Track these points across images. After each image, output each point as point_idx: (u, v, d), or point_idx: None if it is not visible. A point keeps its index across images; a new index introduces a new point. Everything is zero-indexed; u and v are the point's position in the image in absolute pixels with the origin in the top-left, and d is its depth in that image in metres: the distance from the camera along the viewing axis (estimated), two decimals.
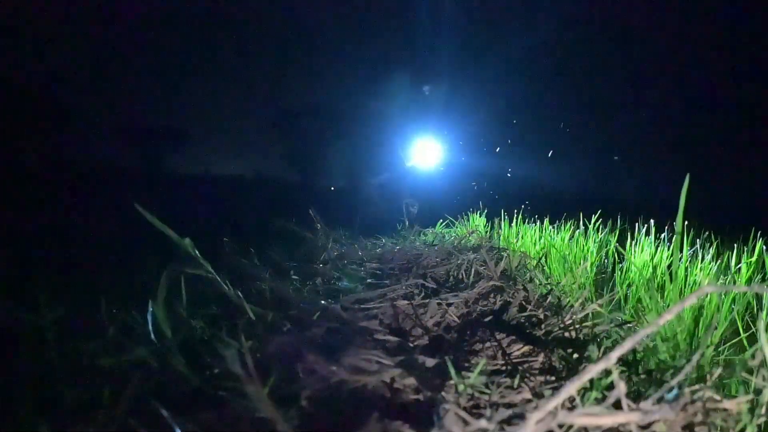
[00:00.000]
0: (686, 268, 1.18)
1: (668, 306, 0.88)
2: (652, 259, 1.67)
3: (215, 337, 0.67)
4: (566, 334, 0.86)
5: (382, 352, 0.71)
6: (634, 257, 1.72)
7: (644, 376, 0.69)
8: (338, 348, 0.72)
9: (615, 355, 0.42)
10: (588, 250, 1.88)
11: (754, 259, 1.55)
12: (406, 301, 1.03)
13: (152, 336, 0.68)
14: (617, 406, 0.50)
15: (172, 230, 0.72)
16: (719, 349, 0.83)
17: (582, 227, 2.17)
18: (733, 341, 0.89)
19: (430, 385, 0.63)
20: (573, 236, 2.01)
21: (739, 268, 1.44)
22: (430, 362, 0.70)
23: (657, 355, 0.76)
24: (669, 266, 0.89)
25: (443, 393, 0.61)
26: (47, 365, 0.65)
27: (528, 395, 0.62)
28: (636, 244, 1.86)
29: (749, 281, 1.38)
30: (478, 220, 2.69)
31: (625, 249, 1.85)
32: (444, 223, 2.86)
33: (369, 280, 1.25)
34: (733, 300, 0.95)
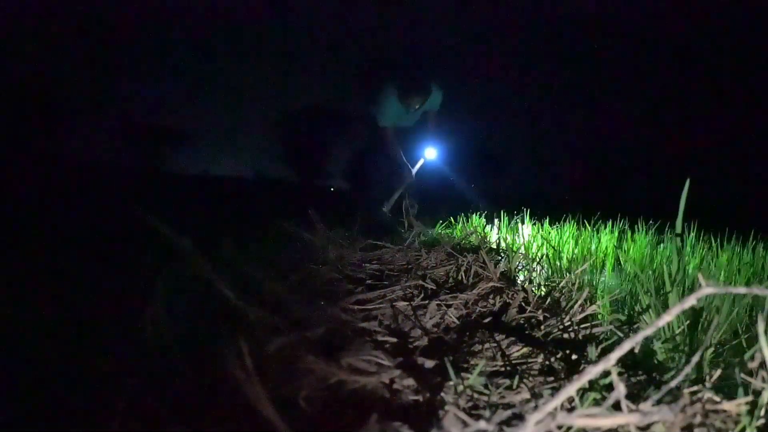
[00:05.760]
0: (685, 269, 1.18)
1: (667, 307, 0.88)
2: (651, 260, 1.67)
3: (214, 338, 0.67)
4: (565, 336, 0.86)
5: (382, 353, 0.71)
6: (632, 257, 1.72)
7: (644, 377, 0.69)
8: (337, 349, 0.72)
9: (614, 356, 0.41)
10: (588, 251, 1.88)
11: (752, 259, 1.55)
12: (405, 303, 1.03)
13: (151, 337, 0.68)
14: (616, 407, 0.50)
15: (171, 230, 0.72)
16: (719, 351, 0.83)
17: (582, 228, 2.17)
18: (733, 343, 0.89)
19: (430, 386, 0.63)
20: (573, 237, 2.01)
21: (739, 270, 1.44)
22: (429, 363, 0.70)
23: (656, 356, 0.76)
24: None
25: (442, 394, 0.61)
26: (46, 365, 0.65)
27: (527, 396, 0.62)
28: (634, 244, 1.86)
29: (749, 282, 1.39)
30: (478, 221, 2.69)
31: (624, 249, 1.85)
32: (444, 224, 2.86)
33: (368, 281, 1.25)
34: (733, 301, 0.95)
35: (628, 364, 0.74)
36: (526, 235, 2.06)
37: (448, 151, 3.14)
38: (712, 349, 0.72)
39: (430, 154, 3.05)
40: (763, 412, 0.51)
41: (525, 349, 0.80)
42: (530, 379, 0.69)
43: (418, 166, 2.98)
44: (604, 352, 0.73)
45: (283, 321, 0.76)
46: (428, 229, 2.38)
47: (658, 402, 0.52)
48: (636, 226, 2.18)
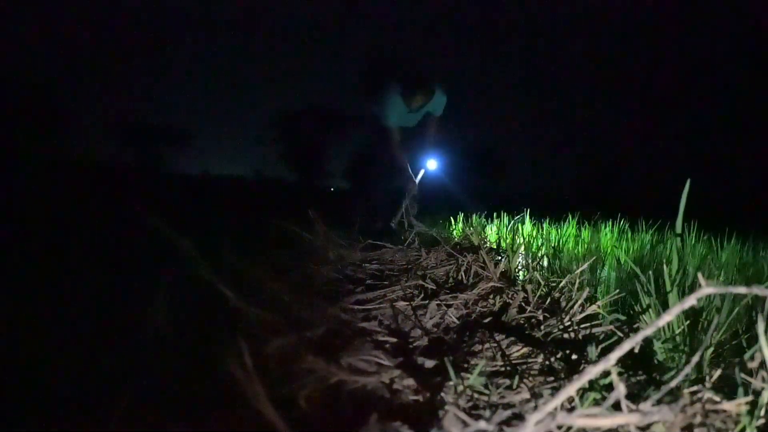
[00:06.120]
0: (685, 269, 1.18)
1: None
2: (651, 259, 1.67)
3: (214, 338, 0.67)
4: (565, 335, 0.86)
5: (382, 353, 0.71)
6: (632, 256, 1.72)
7: (644, 377, 0.69)
8: (337, 349, 0.72)
9: (614, 356, 0.41)
10: (588, 250, 1.88)
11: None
12: (405, 303, 1.03)
13: (152, 337, 0.68)
14: (616, 407, 0.50)
15: (172, 230, 0.72)
16: (719, 351, 0.83)
17: (582, 227, 2.17)
18: (733, 343, 0.89)
19: (430, 386, 0.63)
20: (573, 236, 2.01)
21: (740, 269, 1.44)
22: (429, 363, 0.70)
23: (656, 356, 0.76)
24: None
25: (442, 394, 0.61)
26: (46, 365, 0.65)
27: (527, 396, 0.62)
28: (634, 243, 1.86)
29: (749, 282, 1.38)
30: (478, 221, 2.69)
31: (624, 249, 1.85)
32: (444, 224, 2.86)
33: (368, 281, 1.25)
34: (733, 301, 0.95)
35: (628, 364, 0.74)
36: (526, 234, 2.06)
37: (449, 155, 3.14)
38: (712, 349, 0.72)
39: (431, 165, 3.06)
40: (763, 412, 0.51)
41: (525, 349, 0.80)
42: (530, 379, 0.69)
43: (419, 176, 2.99)
44: (604, 352, 0.73)
45: (283, 321, 0.76)
46: (428, 230, 2.38)
47: (658, 402, 0.52)
48: (636, 226, 2.18)
